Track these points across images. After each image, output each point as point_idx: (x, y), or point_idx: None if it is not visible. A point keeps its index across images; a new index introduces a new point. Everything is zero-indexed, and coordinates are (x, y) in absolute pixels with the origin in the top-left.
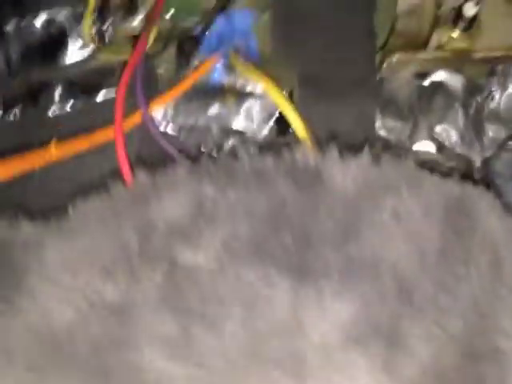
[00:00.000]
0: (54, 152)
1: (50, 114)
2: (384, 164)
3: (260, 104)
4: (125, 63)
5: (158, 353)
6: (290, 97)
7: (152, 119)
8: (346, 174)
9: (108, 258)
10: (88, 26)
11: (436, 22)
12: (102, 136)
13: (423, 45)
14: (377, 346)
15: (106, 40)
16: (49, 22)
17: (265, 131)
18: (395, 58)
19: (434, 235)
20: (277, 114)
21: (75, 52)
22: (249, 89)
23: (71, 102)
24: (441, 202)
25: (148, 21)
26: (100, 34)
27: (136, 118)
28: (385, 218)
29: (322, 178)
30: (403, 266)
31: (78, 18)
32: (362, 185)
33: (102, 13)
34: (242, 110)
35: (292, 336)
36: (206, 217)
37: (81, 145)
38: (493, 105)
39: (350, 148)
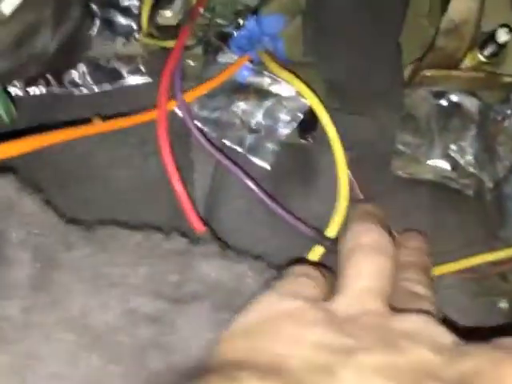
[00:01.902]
0: (98, 127)
1: (75, 92)
2: None
3: (284, 105)
4: (155, 53)
5: None
6: None
7: (188, 108)
8: None
9: None
10: (146, 15)
11: (472, 44)
12: (142, 118)
13: (456, 64)
14: None
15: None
16: None
17: (287, 131)
18: (429, 73)
19: None
20: (301, 117)
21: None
22: (274, 89)
23: (97, 83)
24: None
25: (191, 15)
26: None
27: (169, 105)
28: None
29: None
30: None
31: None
32: None
33: None
34: (263, 109)
35: None
36: None
37: (123, 123)
38: (505, 130)
39: (370, 159)
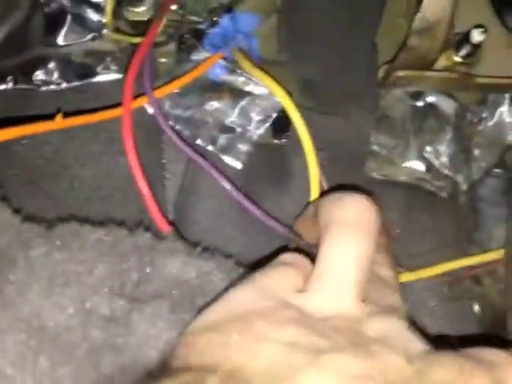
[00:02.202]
0: (62, 123)
1: (44, 88)
2: None
3: (258, 104)
4: (126, 49)
5: None
6: None
7: (159, 105)
8: None
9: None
10: (110, 10)
11: (445, 45)
12: (107, 114)
13: (430, 65)
14: None
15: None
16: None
17: (260, 131)
18: (402, 73)
19: None
20: (274, 116)
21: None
22: (247, 88)
23: (67, 79)
24: None
25: (161, 10)
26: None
27: (139, 102)
28: None
29: None
30: None
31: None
32: None
33: None
34: (237, 108)
35: None
36: None
37: (87, 119)
38: (481, 132)
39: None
